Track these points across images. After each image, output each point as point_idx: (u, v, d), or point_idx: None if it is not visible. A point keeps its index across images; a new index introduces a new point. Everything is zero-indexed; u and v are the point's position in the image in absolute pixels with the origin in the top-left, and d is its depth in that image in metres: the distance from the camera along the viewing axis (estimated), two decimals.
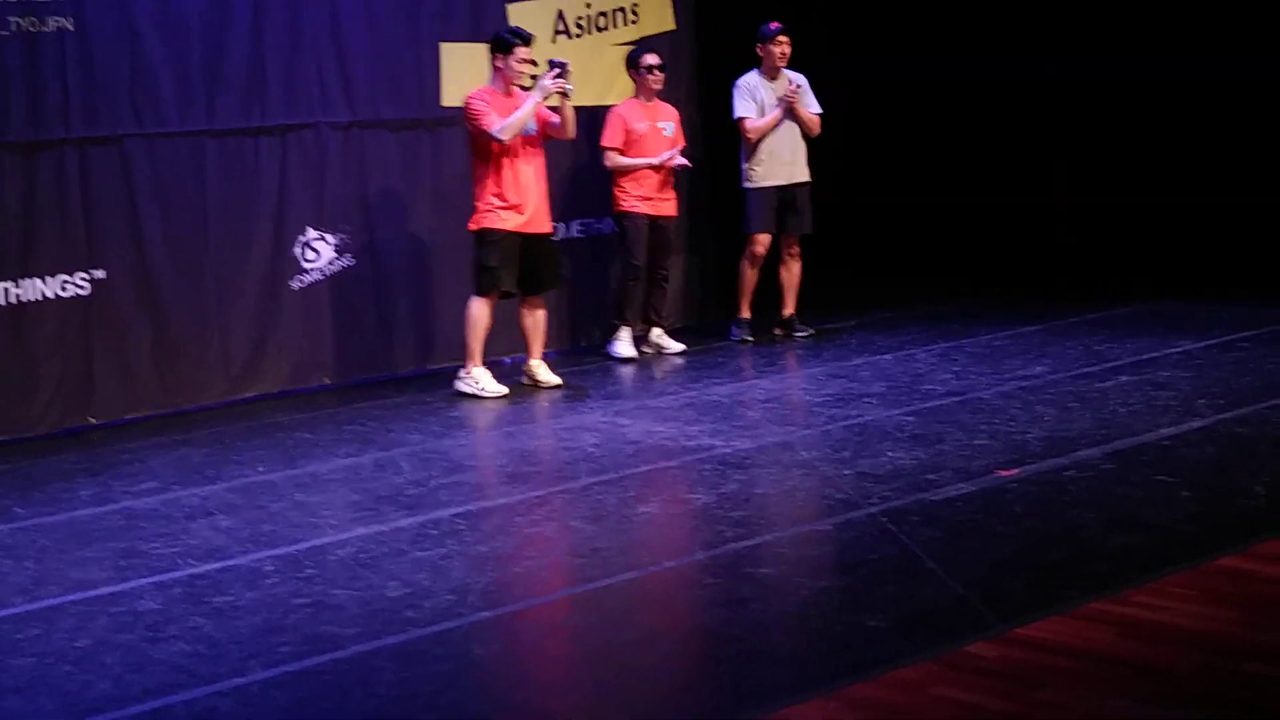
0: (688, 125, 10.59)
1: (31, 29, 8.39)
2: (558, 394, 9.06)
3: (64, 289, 8.62)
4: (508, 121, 8.73)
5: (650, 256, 10.20)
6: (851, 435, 7.54)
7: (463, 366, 9.07)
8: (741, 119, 10.29)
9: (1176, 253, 11.43)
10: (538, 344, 9.26)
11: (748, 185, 10.40)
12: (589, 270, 10.69)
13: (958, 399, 8.24)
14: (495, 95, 8.88)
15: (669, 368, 9.88)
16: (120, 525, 6.61)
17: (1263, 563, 5.30)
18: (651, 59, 10.20)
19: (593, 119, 10.20)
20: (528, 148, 8.94)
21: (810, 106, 10.40)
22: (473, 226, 8.95)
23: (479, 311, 8.95)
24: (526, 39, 8.98)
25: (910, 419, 7.81)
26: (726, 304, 10.78)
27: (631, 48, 10.51)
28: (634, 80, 10.26)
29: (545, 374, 9.23)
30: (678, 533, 6.37)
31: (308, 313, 9.54)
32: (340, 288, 9.66)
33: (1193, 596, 4.99)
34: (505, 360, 9.68)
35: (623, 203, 10.12)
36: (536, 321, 9.23)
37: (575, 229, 10.68)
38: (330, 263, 9.62)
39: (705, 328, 10.98)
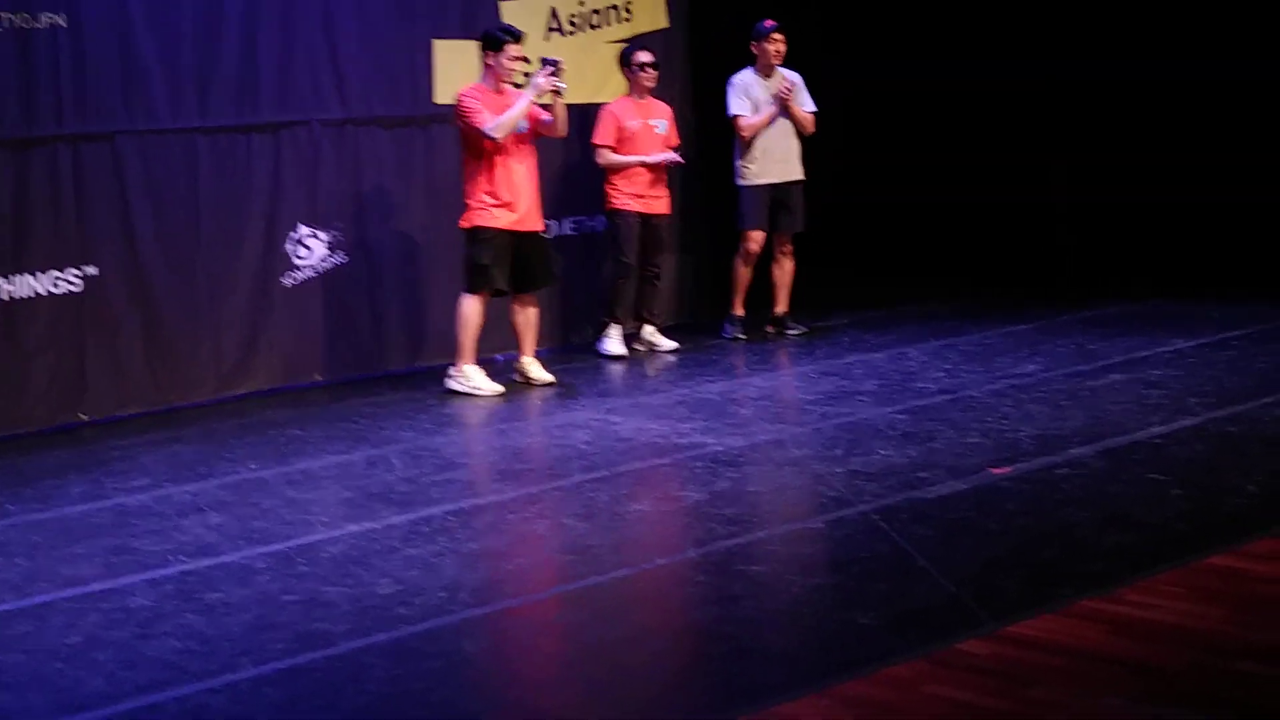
0: (681, 123, 10.59)
1: (24, 25, 8.37)
2: (550, 391, 9.06)
3: (56, 285, 8.60)
4: (501, 120, 8.73)
5: (642, 254, 10.20)
6: (843, 433, 7.54)
7: (453, 365, 9.06)
8: (736, 117, 10.29)
9: (1176, 252, 11.40)
10: (530, 341, 9.26)
11: (741, 183, 10.40)
12: (581, 268, 10.68)
13: (950, 397, 8.25)
14: (486, 93, 8.87)
15: (661, 365, 9.88)
16: (112, 522, 6.60)
17: (1254, 561, 5.31)
18: (645, 56, 10.19)
19: (585, 116, 10.19)
20: (519, 145, 8.93)
21: (804, 105, 10.40)
22: (464, 224, 8.94)
23: (471, 309, 8.95)
24: (517, 36, 8.98)
25: (902, 417, 7.81)
26: (719, 302, 10.78)
27: (625, 45, 10.52)
28: (627, 78, 10.25)
29: (538, 371, 9.23)
30: (669, 530, 6.37)
31: (300, 310, 9.53)
32: (332, 285, 9.64)
33: (1184, 595, 4.99)
34: (498, 358, 9.67)
35: (614, 200, 10.11)
36: (528, 319, 9.22)
37: (568, 226, 10.68)
38: (322, 260, 9.61)
39: (698, 325, 10.97)
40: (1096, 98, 11.88)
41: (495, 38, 8.93)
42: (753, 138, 10.29)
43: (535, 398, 8.97)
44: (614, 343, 10.13)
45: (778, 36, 10.30)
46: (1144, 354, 9.12)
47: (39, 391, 8.57)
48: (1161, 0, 11.45)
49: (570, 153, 10.42)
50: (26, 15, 8.37)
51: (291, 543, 6.12)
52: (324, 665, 4.78)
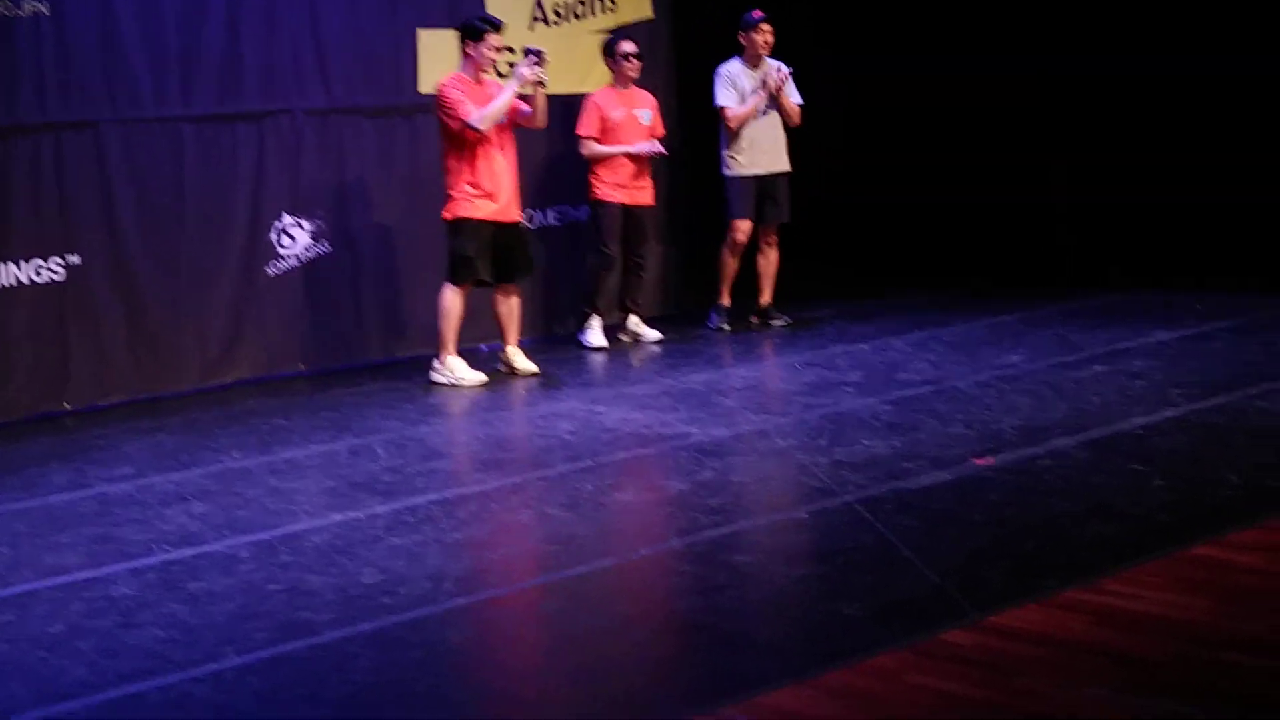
0: (666, 113, 10.58)
1: (6, 13, 8.36)
2: (534, 381, 9.06)
3: (39, 274, 8.58)
4: (486, 112, 8.71)
5: (626, 245, 10.20)
6: (828, 424, 7.54)
7: (436, 356, 9.05)
8: (723, 107, 10.29)
9: (1175, 252, 11.35)
10: (513, 331, 9.25)
11: (728, 173, 10.39)
12: (566, 258, 10.68)
13: (934, 388, 8.25)
14: (467, 83, 8.85)
15: (646, 355, 9.88)
16: (95, 511, 6.59)
17: (1237, 552, 5.31)
18: (628, 46, 10.18)
19: (569, 107, 10.18)
20: (500, 136, 8.91)
21: (791, 96, 10.39)
22: (447, 215, 8.92)
23: (453, 300, 8.93)
24: (498, 26, 8.96)
25: (887, 408, 7.82)
26: (704, 292, 10.78)
27: (608, 35, 10.50)
28: (610, 68, 10.24)
29: (522, 361, 9.22)
30: (654, 520, 6.36)
31: (283, 299, 9.52)
32: (316, 274, 9.63)
33: (1168, 585, 4.99)
34: (482, 348, 9.67)
35: (598, 190, 10.11)
36: (511, 309, 9.21)
37: (552, 217, 10.68)
38: (306, 249, 9.59)
39: (683, 316, 10.97)
40: (1096, 96, 11.78)
41: (475, 27, 8.91)
42: (740, 128, 10.29)
43: (519, 387, 8.97)
44: (595, 334, 10.13)
45: (766, 27, 10.30)
46: (1127, 345, 9.14)
47: (22, 380, 8.56)
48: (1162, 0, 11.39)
49: (554, 143, 10.41)
50: (9, 3, 8.36)
51: (275, 532, 6.11)
52: (308, 654, 4.77)
